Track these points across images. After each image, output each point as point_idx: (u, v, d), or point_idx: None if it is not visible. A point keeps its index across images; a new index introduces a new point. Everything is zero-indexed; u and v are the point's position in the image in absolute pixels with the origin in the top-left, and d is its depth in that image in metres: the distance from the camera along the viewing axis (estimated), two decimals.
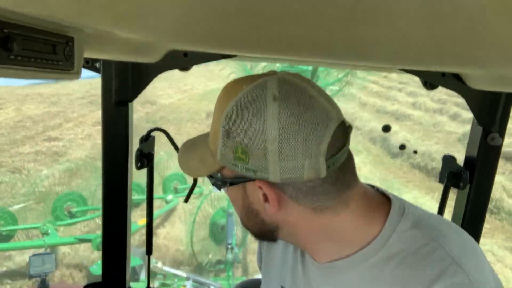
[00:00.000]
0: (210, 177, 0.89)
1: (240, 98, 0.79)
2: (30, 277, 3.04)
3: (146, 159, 1.46)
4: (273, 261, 1.10)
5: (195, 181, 1.50)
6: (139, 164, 1.44)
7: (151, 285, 4.26)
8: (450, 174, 1.51)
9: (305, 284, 0.96)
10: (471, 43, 0.72)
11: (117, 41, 0.93)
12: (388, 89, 20.36)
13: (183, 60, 1.31)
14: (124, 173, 1.46)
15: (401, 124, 13.52)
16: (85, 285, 1.60)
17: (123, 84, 1.36)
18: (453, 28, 0.59)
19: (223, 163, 0.83)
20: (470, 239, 0.88)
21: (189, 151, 0.95)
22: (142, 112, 13.04)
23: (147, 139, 1.45)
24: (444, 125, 13.61)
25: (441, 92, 15.00)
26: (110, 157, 1.45)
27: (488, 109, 1.43)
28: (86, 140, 11.59)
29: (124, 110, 1.40)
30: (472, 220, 1.53)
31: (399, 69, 1.34)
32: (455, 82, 1.38)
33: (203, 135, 0.94)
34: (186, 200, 1.57)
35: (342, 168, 0.80)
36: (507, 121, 1.46)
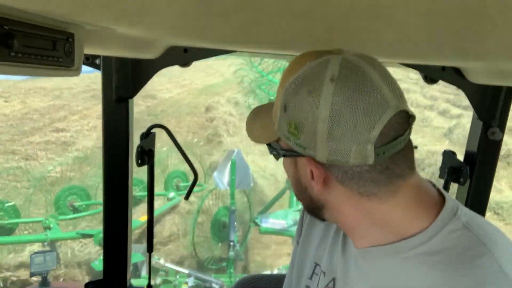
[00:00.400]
0: (269, 145, 0.91)
1: (300, 74, 0.79)
2: (32, 275, 3.05)
3: (146, 155, 1.46)
4: (312, 239, 1.11)
5: (195, 178, 1.51)
6: (139, 161, 1.44)
7: (152, 281, 4.27)
8: (450, 169, 1.51)
9: (342, 266, 0.96)
10: (471, 37, 0.72)
11: (117, 37, 0.93)
12: None
13: (183, 56, 1.31)
14: (124, 170, 1.46)
15: None
16: (87, 282, 1.60)
17: (123, 81, 1.36)
18: (453, 22, 0.59)
19: (280, 134, 0.85)
20: None
21: (255, 118, 0.98)
22: (143, 106, 13.29)
23: (148, 136, 1.45)
24: (432, 120, 13.88)
25: (434, 89, 15.66)
26: (110, 153, 1.45)
27: (488, 103, 1.43)
28: (92, 132, 11.91)
29: (125, 106, 1.40)
30: None
31: (400, 64, 1.34)
32: (455, 76, 1.37)
33: (270, 104, 0.95)
34: (186, 197, 1.58)
35: (395, 158, 0.78)
36: (507, 116, 1.46)
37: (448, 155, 1.54)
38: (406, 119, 0.78)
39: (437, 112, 14.89)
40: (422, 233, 0.81)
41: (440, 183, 1.56)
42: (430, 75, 1.41)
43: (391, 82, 0.77)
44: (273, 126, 0.87)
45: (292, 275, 1.22)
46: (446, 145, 10.65)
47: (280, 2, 0.55)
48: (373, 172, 0.78)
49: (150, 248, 1.62)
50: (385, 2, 0.51)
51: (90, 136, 11.53)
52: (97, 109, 13.45)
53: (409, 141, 0.81)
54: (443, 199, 0.87)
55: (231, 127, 11.84)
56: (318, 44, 0.98)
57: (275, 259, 5.74)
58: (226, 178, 4.93)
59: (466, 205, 1.52)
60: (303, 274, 1.10)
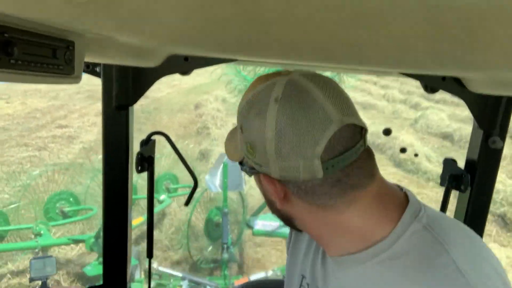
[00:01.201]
0: (240, 163, 0.95)
1: (250, 97, 0.84)
2: (31, 280, 3.04)
3: (146, 162, 1.46)
4: (298, 251, 1.14)
5: (195, 184, 1.51)
6: (139, 168, 1.44)
7: (145, 286, 4.25)
8: (451, 177, 1.51)
9: (322, 275, 0.98)
10: (472, 47, 0.72)
11: (118, 45, 0.93)
12: (364, 82, 21.86)
13: (183, 64, 1.31)
14: (124, 177, 1.46)
15: (366, 112, 14.88)
16: (87, 287, 1.60)
17: (124, 88, 1.36)
18: (453, 32, 0.59)
19: (243, 153, 0.89)
20: (483, 246, 0.86)
21: (230, 138, 1.01)
22: (137, 105, 13.91)
23: (148, 143, 1.45)
24: (402, 112, 15.12)
25: (411, 85, 17.30)
26: (110, 160, 1.45)
27: (489, 112, 1.43)
28: (93, 127, 12.81)
29: (125, 114, 1.40)
30: (474, 222, 1.53)
31: (400, 73, 1.34)
32: (455, 86, 1.38)
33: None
34: (186, 204, 1.58)
35: (347, 170, 0.80)
36: (508, 125, 1.46)
37: (449, 162, 1.54)
38: (355, 131, 0.81)
39: (409, 105, 16.34)
40: (385, 239, 0.83)
41: (441, 190, 1.56)
42: (430, 84, 1.41)
43: (337, 98, 0.80)
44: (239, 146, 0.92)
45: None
46: (410, 133, 11.90)
47: (281, 12, 0.55)
48: (325, 185, 0.81)
49: (150, 254, 1.61)
50: (386, 12, 0.51)
51: (92, 131, 12.33)
52: (94, 107, 14.62)
53: (367, 151, 0.84)
54: (407, 200, 0.89)
55: (219, 121, 12.77)
56: (318, 53, 0.98)
57: (270, 260, 5.75)
58: (218, 180, 4.93)
59: (467, 212, 1.52)
60: (292, 287, 1.12)
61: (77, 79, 0.78)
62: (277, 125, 0.77)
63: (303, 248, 1.12)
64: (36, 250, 4.96)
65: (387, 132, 1.45)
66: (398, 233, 0.83)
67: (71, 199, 5.75)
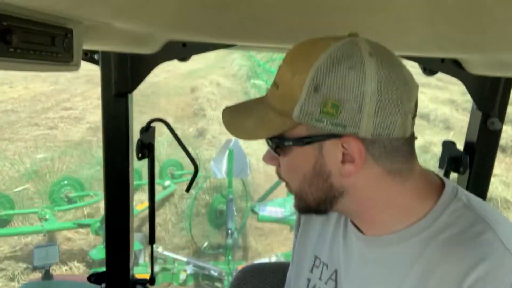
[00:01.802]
0: (273, 138, 0.85)
1: (331, 52, 0.76)
2: (34, 268, 3.06)
3: (147, 149, 1.46)
4: (310, 232, 1.11)
5: (195, 171, 1.51)
6: (140, 155, 1.44)
7: (149, 269, 4.29)
8: (450, 159, 1.51)
9: (344, 257, 0.97)
10: (470, 28, 0.72)
11: (116, 32, 0.93)
12: None
13: (181, 51, 1.31)
14: (125, 164, 1.47)
15: None
16: (90, 274, 1.61)
17: (122, 76, 1.36)
18: (452, 14, 0.59)
19: (302, 119, 0.79)
20: None
21: (241, 114, 0.90)
22: (135, 89, 14.95)
23: (148, 130, 1.45)
24: None
25: None
26: (111, 148, 1.45)
27: (487, 94, 1.43)
28: (97, 109, 13.00)
29: (124, 101, 1.40)
30: None
31: (399, 55, 1.34)
32: (454, 68, 1.37)
33: (254, 100, 0.91)
34: (187, 190, 1.58)
35: (412, 135, 0.82)
36: (507, 106, 1.46)
37: (448, 145, 1.55)
38: None
39: None
40: (427, 217, 0.83)
41: (440, 172, 1.57)
42: (429, 67, 1.41)
43: None
44: (279, 116, 0.82)
45: (292, 269, 1.23)
46: None
47: None
48: (405, 145, 0.81)
49: (152, 240, 1.62)
50: None
51: (96, 113, 12.53)
52: (95, 91, 14.64)
53: None
54: (443, 183, 0.88)
55: (213, 103, 13.24)
56: (317, 36, 0.98)
57: (274, 246, 5.79)
58: (224, 167, 4.93)
59: None
60: (303, 267, 1.10)
61: (75, 67, 0.78)
62: (379, 79, 0.74)
63: (315, 230, 1.09)
64: (42, 234, 5.00)
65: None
66: (439, 210, 0.83)
67: (76, 185, 5.78)
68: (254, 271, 1.56)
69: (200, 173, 6.62)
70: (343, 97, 0.75)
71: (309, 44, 0.81)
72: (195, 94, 14.95)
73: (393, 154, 0.80)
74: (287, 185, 0.92)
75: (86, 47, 0.98)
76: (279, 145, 0.85)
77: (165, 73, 18.46)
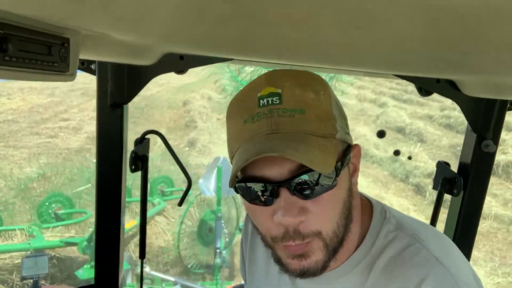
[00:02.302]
0: (336, 164, 0.75)
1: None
2: (23, 278, 3.02)
3: (140, 161, 1.45)
4: (256, 274, 1.07)
5: (189, 185, 1.50)
6: (133, 167, 1.43)
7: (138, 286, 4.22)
8: (444, 180, 1.51)
9: None
10: (466, 50, 0.72)
11: (113, 43, 0.92)
12: (341, 82, 23.96)
13: (179, 63, 1.31)
14: (118, 176, 1.45)
15: None
16: (78, 287, 1.59)
17: (119, 86, 1.36)
18: (448, 35, 0.59)
19: (342, 136, 0.77)
20: (447, 239, 0.89)
21: (303, 144, 0.73)
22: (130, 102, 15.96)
23: (142, 142, 1.44)
24: (368, 110, 16.47)
25: (384, 86, 18.80)
26: (104, 159, 1.44)
27: (482, 116, 1.43)
28: (93, 120, 14.24)
29: (119, 112, 1.40)
30: (466, 226, 1.53)
31: (394, 75, 1.34)
32: (449, 89, 1.38)
33: (292, 133, 0.74)
34: (180, 204, 1.57)
35: None
36: (501, 128, 1.47)
37: (442, 166, 1.55)
38: None
39: (377, 104, 17.72)
40: (363, 244, 0.84)
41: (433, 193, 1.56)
42: (425, 87, 1.42)
43: None
44: (328, 140, 0.75)
45: None
46: (369, 126, 13.37)
47: (277, 12, 0.55)
48: None
49: (142, 254, 1.60)
50: (382, 15, 0.51)
51: (93, 124, 14.40)
52: (91, 103, 15.63)
53: None
54: (370, 203, 0.90)
55: (204, 116, 14.22)
56: (314, 54, 0.98)
57: None
58: (212, 184, 4.92)
59: (459, 216, 1.53)
60: None
61: (72, 77, 0.77)
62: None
63: (261, 270, 1.04)
64: (28, 252, 4.93)
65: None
66: (373, 236, 0.84)
67: (65, 202, 5.73)
68: None
69: (190, 191, 6.57)
70: (343, 110, 0.82)
71: (293, 70, 0.86)
72: (187, 107, 15.80)
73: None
74: (312, 241, 0.75)
75: (83, 56, 0.97)
76: (340, 171, 0.75)
77: (158, 86, 19.23)
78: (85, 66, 1.34)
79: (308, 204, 0.73)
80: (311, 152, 0.71)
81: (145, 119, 13.82)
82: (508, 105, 1.45)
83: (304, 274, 0.76)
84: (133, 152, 1.42)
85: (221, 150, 9.47)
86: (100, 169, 1.45)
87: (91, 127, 12.47)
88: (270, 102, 0.74)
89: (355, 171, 0.82)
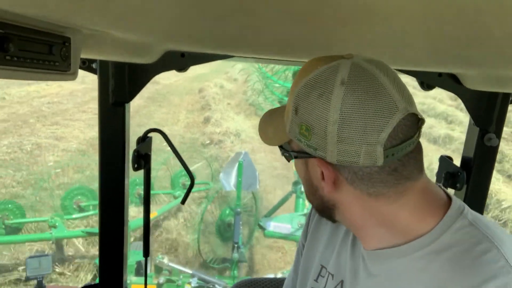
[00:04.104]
0: (281, 147, 0.92)
1: (311, 78, 0.80)
2: (27, 279, 3.03)
3: (143, 160, 1.45)
4: (318, 241, 1.12)
5: (192, 182, 1.50)
6: (136, 165, 1.43)
7: (155, 280, 4.24)
8: (447, 175, 1.51)
9: (351, 268, 0.97)
10: (468, 44, 0.72)
11: (114, 41, 0.93)
12: None
13: (180, 61, 1.31)
14: (121, 174, 1.46)
15: None
16: (82, 286, 1.59)
17: (120, 85, 1.36)
18: (450, 29, 0.59)
19: (291, 136, 0.86)
20: None
21: (268, 120, 0.99)
22: (153, 89, 18.41)
23: (144, 140, 1.44)
24: None
25: None
26: (107, 157, 1.44)
27: (484, 109, 1.43)
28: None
29: (121, 110, 1.40)
30: None
31: (396, 70, 1.34)
32: (451, 83, 1.38)
33: (282, 107, 0.95)
34: (183, 202, 1.57)
35: (403, 160, 0.80)
36: (504, 122, 1.46)
37: (445, 160, 1.54)
38: (415, 122, 0.80)
39: None
40: (430, 232, 0.83)
41: None
42: (427, 81, 1.41)
43: (401, 86, 0.79)
44: (284, 128, 0.88)
45: (291, 277, 1.23)
46: None
47: (277, 8, 0.55)
48: (382, 173, 0.79)
49: (146, 253, 1.61)
50: (383, 9, 0.51)
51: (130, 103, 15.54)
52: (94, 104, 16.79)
53: (419, 144, 0.83)
54: (450, 200, 0.88)
55: (217, 100, 16.35)
56: (315, 49, 0.98)
57: (280, 262, 5.76)
58: (232, 179, 4.93)
59: None
60: (309, 276, 1.11)
61: (73, 76, 0.77)
62: (342, 109, 0.75)
63: (324, 239, 1.10)
64: (51, 242, 5.11)
65: None
66: (444, 227, 0.83)
67: (88, 194, 5.85)
68: (248, 286, 1.55)
69: (211, 184, 6.73)
70: (312, 122, 0.79)
71: (307, 64, 0.85)
72: (202, 94, 18.28)
73: (367, 180, 0.81)
74: None
75: (84, 55, 0.98)
76: (282, 154, 0.92)
77: (176, 76, 21.26)
78: (86, 65, 1.34)
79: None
80: (267, 128, 0.98)
81: (167, 103, 16.32)
82: (511, 98, 1.44)
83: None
84: (135, 150, 1.42)
85: (230, 124, 12.44)
86: (102, 168, 1.45)
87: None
88: None
89: (323, 180, 0.85)
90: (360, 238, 0.93)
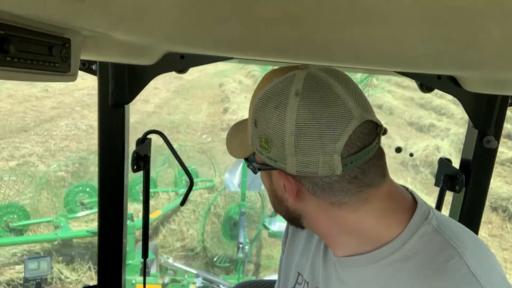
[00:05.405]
0: (246, 160, 0.93)
1: (268, 89, 0.81)
2: (25, 280, 3.03)
3: (142, 161, 1.45)
4: (295, 249, 1.13)
5: (191, 184, 1.50)
6: (135, 167, 1.43)
7: (160, 280, 4.24)
8: (446, 177, 1.51)
9: (324, 275, 0.97)
10: (467, 46, 0.72)
11: (114, 43, 0.93)
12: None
13: (179, 62, 1.31)
14: (120, 176, 1.45)
15: None
16: (82, 287, 1.59)
17: (120, 86, 1.36)
18: (449, 31, 0.59)
19: (253, 148, 0.87)
20: (489, 252, 0.86)
21: (235, 133, 1.00)
22: (177, 84, 21.07)
23: (144, 142, 1.45)
24: None
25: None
26: (106, 159, 1.44)
27: (483, 112, 1.43)
28: (157, 91, 18.39)
29: (121, 112, 1.40)
30: (468, 222, 1.53)
31: (395, 72, 1.34)
32: (450, 85, 1.38)
33: (246, 120, 0.96)
34: (182, 203, 1.57)
35: (364, 167, 0.80)
36: (503, 124, 1.46)
37: (444, 162, 1.54)
38: (373, 129, 0.80)
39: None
40: (396, 240, 0.83)
41: (435, 190, 1.56)
42: (426, 83, 1.42)
43: (356, 94, 0.79)
44: (245, 142, 0.90)
45: (278, 285, 1.23)
46: None
47: (277, 10, 0.55)
48: (342, 182, 0.80)
49: (145, 254, 1.60)
50: (382, 11, 0.51)
51: (157, 94, 17.34)
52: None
53: (379, 150, 0.83)
54: (416, 204, 0.88)
55: (236, 94, 18.01)
56: (314, 51, 0.98)
57: None
58: (237, 179, 4.93)
59: (461, 212, 1.52)
60: (287, 284, 1.12)
61: (73, 77, 0.77)
62: (297, 119, 0.76)
63: (300, 246, 1.10)
64: (56, 243, 5.11)
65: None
66: (408, 234, 0.83)
67: (91, 191, 5.86)
68: (249, 287, 1.54)
69: (214, 181, 6.77)
70: (270, 134, 0.80)
71: (264, 77, 0.87)
72: (222, 88, 20.35)
73: (328, 190, 0.81)
74: None
75: (84, 57, 0.98)
76: (248, 166, 0.94)
77: (198, 72, 24.07)
78: (86, 66, 1.34)
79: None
80: (233, 142, 0.99)
81: (191, 95, 18.68)
82: (510, 101, 1.44)
83: None
84: (135, 152, 1.42)
85: (245, 113, 12.40)
86: (102, 169, 1.45)
87: (155, 99, 16.43)
88: None
89: (286, 191, 0.85)
90: (329, 245, 0.94)
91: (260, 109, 0.82)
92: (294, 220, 0.93)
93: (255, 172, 0.92)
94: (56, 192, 6.12)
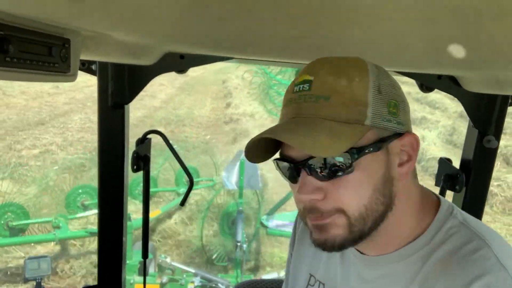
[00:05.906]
0: (351, 150, 0.76)
1: (368, 61, 0.81)
2: (25, 280, 3.02)
3: (142, 161, 1.45)
4: (305, 251, 1.11)
5: (191, 184, 1.50)
6: (135, 167, 1.43)
7: (158, 280, 4.23)
8: (446, 177, 1.51)
9: (342, 276, 0.97)
10: (467, 46, 0.72)
11: (114, 43, 0.93)
12: None
13: (179, 63, 1.31)
14: (120, 176, 1.45)
15: None
16: (82, 287, 1.59)
17: (120, 87, 1.36)
18: (449, 31, 0.59)
19: (375, 122, 0.77)
20: (510, 245, 0.87)
21: (307, 132, 0.75)
22: (182, 80, 21.87)
23: (143, 142, 1.44)
24: None
25: None
26: (106, 159, 1.44)
27: (483, 111, 1.43)
28: (163, 87, 19.53)
29: (121, 112, 1.40)
30: None
31: (396, 72, 1.34)
32: (451, 85, 1.38)
33: (300, 119, 0.78)
34: (182, 204, 1.57)
35: None
36: (503, 124, 1.46)
37: (444, 162, 1.54)
38: None
39: None
40: (424, 234, 0.84)
41: (436, 190, 1.56)
42: (426, 83, 1.41)
43: None
44: (348, 126, 0.75)
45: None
46: None
47: (277, 10, 0.55)
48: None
49: (145, 255, 1.60)
50: (383, 11, 0.51)
51: (163, 90, 18.50)
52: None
53: None
54: (438, 200, 0.90)
55: (238, 90, 18.88)
56: (314, 51, 0.98)
57: (284, 261, 5.77)
58: (234, 177, 4.93)
59: None
60: (298, 286, 1.10)
61: (73, 77, 0.77)
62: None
63: (311, 247, 0.98)
64: (54, 243, 5.13)
65: None
66: (435, 229, 0.84)
67: (92, 192, 5.85)
68: (249, 286, 1.54)
69: (215, 181, 6.77)
70: (397, 97, 0.80)
71: (339, 57, 0.81)
72: (225, 84, 21.44)
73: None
74: (336, 218, 0.79)
75: (84, 57, 0.98)
76: (358, 156, 0.76)
77: (202, 69, 23.97)
78: (86, 66, 1.34)
79: (326, 184, 0.78)
80: (317, 137, 0.73)
81: (195, 91, 19.62)
82: (510, 100, 1.44)
83: (321, 245, 0.81)
84: (134, 152, 1.41)
85: (246, 108, 15.09)
86: (102, 169, 1.45)
87: (161, 95, 17.35)
88: (301, 89, 0.78)
89: (405, 162, 0.81)
90: (370, 243, 0.85)
91: (383, 74, 0.80)
92: (377, 221, 0.81)
93: (349, 166, 0.76)
94: (77, 175, 6.33)
